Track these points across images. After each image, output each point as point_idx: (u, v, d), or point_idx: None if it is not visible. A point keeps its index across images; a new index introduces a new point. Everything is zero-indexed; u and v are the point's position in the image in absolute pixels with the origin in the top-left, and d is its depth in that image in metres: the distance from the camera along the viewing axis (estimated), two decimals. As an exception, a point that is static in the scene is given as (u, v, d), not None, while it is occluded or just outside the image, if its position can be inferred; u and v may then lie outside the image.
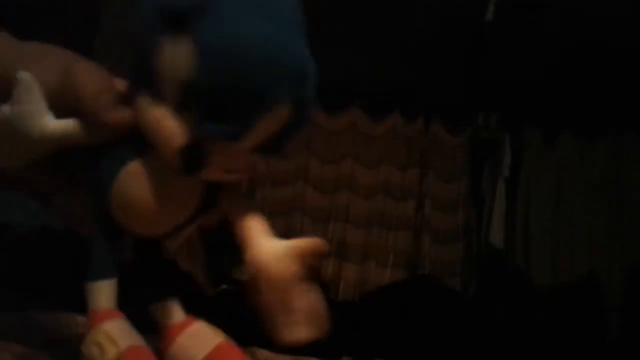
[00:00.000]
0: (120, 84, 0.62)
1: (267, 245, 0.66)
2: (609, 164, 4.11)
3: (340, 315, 1.81)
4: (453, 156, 4.41)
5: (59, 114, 0.59)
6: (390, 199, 4.35)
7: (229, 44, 0.52)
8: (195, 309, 0.75)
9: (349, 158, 4.40)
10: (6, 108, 0.56)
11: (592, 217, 4.04)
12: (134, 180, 0.60)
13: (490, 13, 3.14)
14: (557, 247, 4.04)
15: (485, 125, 4.37)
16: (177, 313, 0.72)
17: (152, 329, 0.70)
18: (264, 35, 0.56)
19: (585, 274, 3.92)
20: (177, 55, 0.53)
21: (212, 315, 0.75)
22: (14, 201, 1.72)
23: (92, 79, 0.60)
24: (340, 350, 1.68)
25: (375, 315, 4.02)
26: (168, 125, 0.56)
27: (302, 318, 0.62)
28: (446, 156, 4.41)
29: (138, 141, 0.60)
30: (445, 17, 3.35)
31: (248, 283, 0.68)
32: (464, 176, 4.36)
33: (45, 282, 1.21)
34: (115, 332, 0.59)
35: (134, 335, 0.62)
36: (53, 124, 0.58)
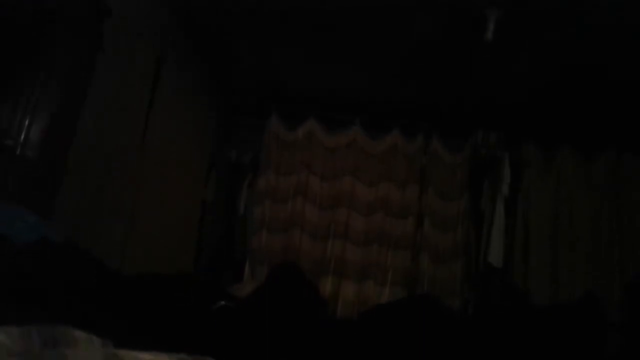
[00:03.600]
0: None
1: None
2: (608, 181, 4.11)
3: (339, 333, 1.80)
4: (453, 174, 4.42)
5: None
6: (390, 217, 4.35)
7: None
8: (195, 325, 0.75)
9: (348, 175, 4.40)
10: None
11: (591, 236, 4.03)
12: None
13: (490, 32, 3.16)
14: (556, 266, 4.02)
15: (485, 143, 4.38)
16: None
17: None
18: None
19: (584, 292, 3.90)
20: None
21: (212, 331, 0.75)
22: (13, 214, 1.72)
23: None
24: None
25: (373, 333, 3.99)
26: None
27: None
28: (446, 174, 4.41)
29: None
30: (445, 37, 3.37)
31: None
32: (463, 194, 4.36)
33: (44, 295, 1.21)
34: None
35: None
36: None
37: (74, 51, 2.09)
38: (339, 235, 4.32)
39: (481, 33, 3.14)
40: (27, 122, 1.98)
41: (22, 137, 1.97)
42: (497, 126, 4.36)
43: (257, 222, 4.34)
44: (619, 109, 3.90)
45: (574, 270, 3.98)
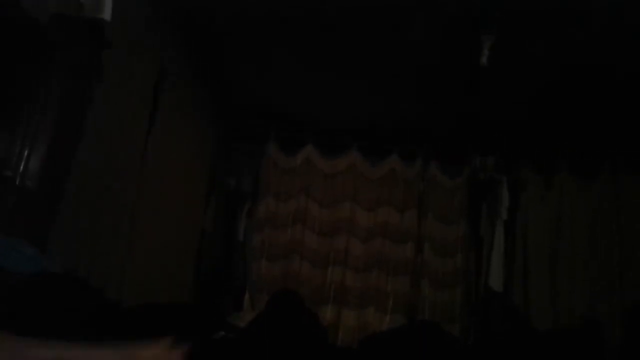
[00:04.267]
0: None
1: None
2: (605, 202, 4.12)
3: (340, 361, 1.78)
4: (451, 198, 4.42)
5: None
6: (389, 242, 4.34)
7: None
8: (195, 355, 0.74)
9: (347, 201, 4.41)
10: None
11: (590, 258, 4.03)
12: None
13: (485, 57, 3.20)
14: (556, 290, 4.01)
15: (482, 167, 4.39)
16: None
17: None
18: None
19: (585, 317, 3.88)
20: None
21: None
22: (11, 245, 1.71)
23: None
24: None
25: (374, 360, 3.95)
26: None
27: None
28: (444, 198, 4.42)
29: None
30: (441, 62, 3.41)
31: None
32: (462, 218, 4.36)
33: (42, 326, 1.20)
34: None
35: None
36: None
37: (72, 82, 2.11)
38: (339, 261, 4.30)
39: (477, 58, 3.18)
40: (26, 153, 1.98)
41: (22, 167, 1.97)
42: (495, 150, 4.38)
43: (256, 250, 4.33)
44: (615, 129, 3.92)
45: (574, 291, 3.97)
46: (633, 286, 3.84)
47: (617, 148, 4.09)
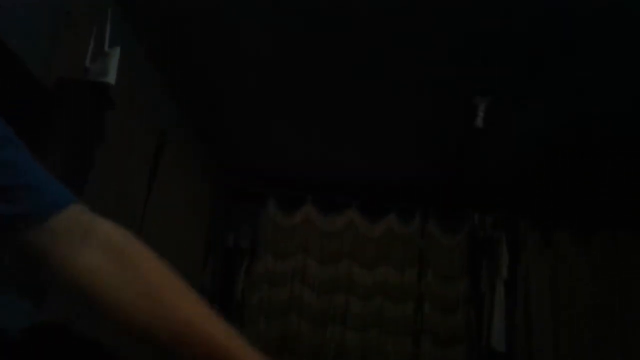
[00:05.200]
0: None
1: None
2: (606, 259, 4.11)
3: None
4: (451, 256, 4.41)
5: None
6: (389, 301, 4.31)
7: None
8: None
9: (346, 259, 4.40)
10: None
11: (592, 313, 3.99)
12: None
13: (480, 119, 3.27)
14: (559, 350, 3.95)
15: (481, 225, 4.41)
16: None
17: None
18: None
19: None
20: None
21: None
22: (5, 301, 1.72)
23: None
24: None
25: None
26: None
27: None
28: (444, 256, 4.41)
29: None
30: (438, 124, 3.49)
31: None
32: (463, 276, 4.34)
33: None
34: None
35: None
36: None
37: (75, 142, 2.16)
38: (338, 320, 4.26)
39: (472, 121, 3.26)
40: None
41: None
42: (493, 207, 4.40)
43: (254, 308, 4.30)
44: (613, 186, 3.96)
45: (577, 353, 3.91)
46: (637, 345, 3.79)
47: (616, 205, 4.11)
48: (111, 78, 2.29)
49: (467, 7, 2.56)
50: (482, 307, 4.19)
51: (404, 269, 4.39)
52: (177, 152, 3.52)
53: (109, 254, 0.70)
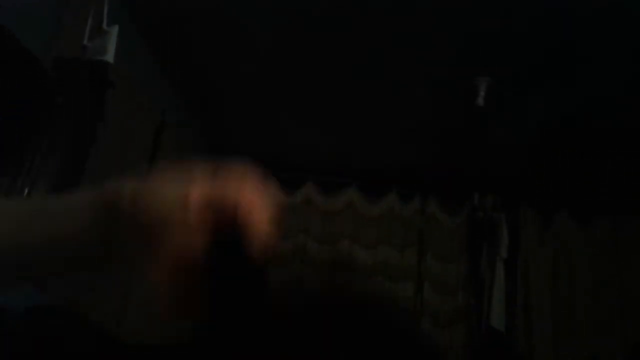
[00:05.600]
0: None
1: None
2: (606, 242, 4.12)
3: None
4: (451, 236, 4.42)
5: None
6: (389, 281, 4.32)
7: None
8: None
9: (346, 239, 4.41)
10: None
11: (591, 296, 4.01)
12: None
13: (481, 99, 3.25)
14: (558, 330, 3.97)
15: (482, 206, 4.40)
16: None
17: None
18: None
19: (587, 356, 3.84)
20: None
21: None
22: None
23: None
24: None
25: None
26: None
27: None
28: (444, 237, 4.42)
29: None
30: (439, 102, 3.47)
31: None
32: (462, 257, 4.35)
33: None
34: None
35: None
36: None
37: (75, 122, 2.15)
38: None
39: (473, 99, 3.24)
40: (26, 192, 2.01)
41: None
42: (493, 189, 4.40)
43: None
44: (614, 169, 3.95)
45: (575, 333, 3.94)
46: (634, 326, 3.82)
47: (616, 188, 4.11)
48: (110, 56, 2.27)
49: (467, 7, 2.57)
50: (482, 287, 4.21)
51: (404, 248, 4.40)
52: (178, 136, 3.50)
53: None
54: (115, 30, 2.32)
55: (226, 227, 0.53)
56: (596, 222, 4.20)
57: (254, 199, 0.54)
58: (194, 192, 0.51)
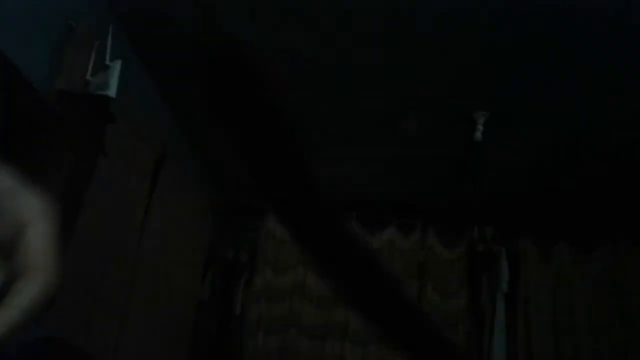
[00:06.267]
0: None
1: None
2: (604, 271, 4.10)
3: None
4: (450, 270, 4.39)
5: None
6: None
7: None
8: None
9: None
10: None
11: (590, 326, 3.97)
12: None
13: (479, 133, 3.28)
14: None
15: (481, 239, 4.39)
16: None
17: None
18: None
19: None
20: None
21: None
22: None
23: None
24: None
25: None
26: None
27: None
28: (444, 270, 4.39)
29: None
30: (437, 137, 3.50)
31: None
32: (462, 290, 4.32)
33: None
34: None
35: None
36: None
37: (76, 156, 2.17)
38: (338, 335, 4.23)
39: (471, 134, 3.27)
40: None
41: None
42: (493, 221, 4.40)
43: (253, 322, 4.27)
44: (613, 198, 3.95)
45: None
46: (636, 356, 3.77)
47: (615, 219, 4.11)
48: (112, 91, 2.30)
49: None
50: (483, 322, 4.17)
51: (404, 281, 4.37)
52: (177, 167, 3.53)
53: None
54: (118, 65, 2.36)
55: None
56: (596, 251, 4.18)
57: None
58: None
